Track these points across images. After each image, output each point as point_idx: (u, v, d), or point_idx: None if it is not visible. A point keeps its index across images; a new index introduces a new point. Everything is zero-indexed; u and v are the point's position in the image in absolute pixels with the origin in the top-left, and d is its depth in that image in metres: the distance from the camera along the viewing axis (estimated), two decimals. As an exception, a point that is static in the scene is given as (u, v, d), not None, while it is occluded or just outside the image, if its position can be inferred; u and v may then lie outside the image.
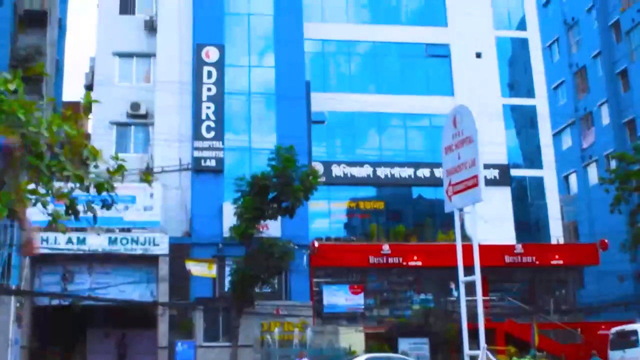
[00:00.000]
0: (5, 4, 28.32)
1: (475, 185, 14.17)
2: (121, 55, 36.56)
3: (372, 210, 37.16)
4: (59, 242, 29.70)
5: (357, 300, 34.15)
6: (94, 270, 31.65)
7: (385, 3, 40.36)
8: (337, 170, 36.11)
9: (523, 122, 40.25)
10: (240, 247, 28.40)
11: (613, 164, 41.12)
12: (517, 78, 41.17)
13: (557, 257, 35.82)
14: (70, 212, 10.46)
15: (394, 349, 31.51)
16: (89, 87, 37.68)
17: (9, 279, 27.55)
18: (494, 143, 34.89)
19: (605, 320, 35.46)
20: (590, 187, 47.30)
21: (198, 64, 34.89)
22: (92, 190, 10.43)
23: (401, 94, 37.75)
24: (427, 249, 34.44)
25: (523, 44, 40.81)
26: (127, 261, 31.38)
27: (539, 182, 38.92)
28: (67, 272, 31.42)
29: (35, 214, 10.08)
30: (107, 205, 10.63)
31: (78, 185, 10.28)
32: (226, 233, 30.72)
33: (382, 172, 36.60)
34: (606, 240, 35.51)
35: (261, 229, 28.56)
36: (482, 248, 16.31)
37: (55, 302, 31.01)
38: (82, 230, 29.57)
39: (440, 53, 39.14)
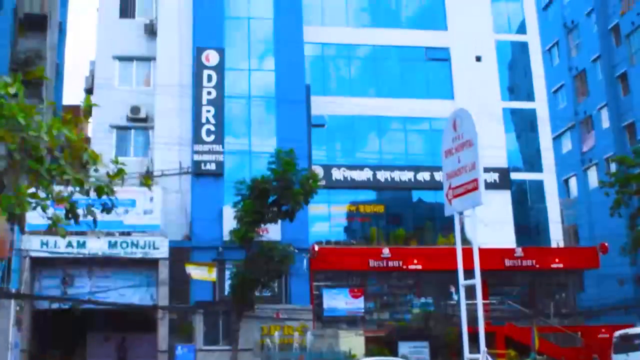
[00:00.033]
0: (5, 8, 28.34)
1: (475, 188, 14.16)
2: (121, 58, 36.57)
3: (372, 214, 37.17)
4: (59, 245, 29.67)
5: (357, 304, 34.15)
6: (94, 273, 31.63)
7: (385, 6, 40.40)
8: (337, 174, 36.11)
9: (523, 125, 40.26)
10: (240, 251, 28.38)
11: (613, 167, 41.10)
12: (517, 81, 41.19)
13: (557, 260, 35.83)
14: (70, 215, 10.46)
15: (394, 353, 31.47)
16: (89, 91, 37.69)
17: (9, 282, 27.54)
18: (494, 146, 34.93)
19: (606, 324, 35.44)
20: (590, 190, 47.30)
21: (198, 67, 34.90)
22: (92, 194, 10.42)
23: (401, 97, 37.79)
24: (427, 252, 34.44)
25: (523, 47, 40.85)
26: (127, 265, 31.36)
27: (539, 185, 38.93)
28: (67, 275, 31.39)
29: (35, 218, 10.09)
30: (107, 209, 10.62)
31: (78, 189, 10.27)
32: (226, 237, 30.70)
33: (382, 175, 36.61)
34: (606, 244, 35.52)
35: (261, 233, 28.54)
36: (482, 251, 16.31)
37: (55, 305, 30.97)
38: (82, 233, 29.53)
39: (440, 56, 39.18)
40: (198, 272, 30.41)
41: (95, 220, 10.59)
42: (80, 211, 10.51)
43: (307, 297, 33.14)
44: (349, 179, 36.28)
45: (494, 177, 36.64)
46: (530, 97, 40.13)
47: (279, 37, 36.39)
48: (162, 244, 31.29)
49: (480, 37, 39.46)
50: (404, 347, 31.92)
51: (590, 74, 49.95)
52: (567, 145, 51.95)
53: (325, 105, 36.45)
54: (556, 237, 37.69)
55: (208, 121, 34.23)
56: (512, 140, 39.60)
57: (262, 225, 28.13)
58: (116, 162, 10.56)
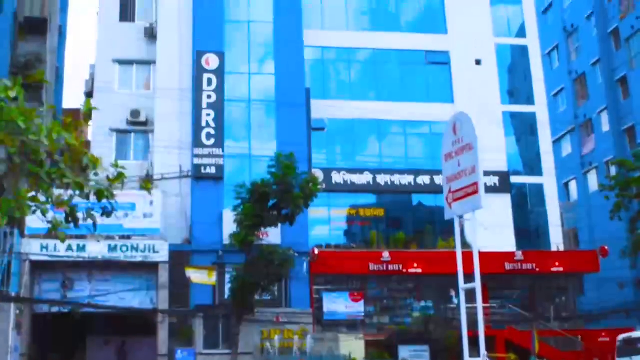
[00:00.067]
0: (5, 12, 28.34)
1: (475, 192, 14.13)
2: (121, 62, 36.60)
3: (372, 218, 37.15)
4: (59, 249, 29.70)
5: (357, 308, 34.13)
6: (94, 277, 31.63)
7: (385, 10, 40.43)
8: (337, 178, 36.12)
9: (523, 129, 40.27)
10: (240, 255, 28.36)
11: (613, 170, 41.11)
12: (516, 85, 41.21)
13: (557, 264, 35.80)
14: (70, 219, 10.44)
15: (394, 357, 31.50)
16: (89, 94, 37.68)
17: (9, 286, 27.53)
18: (494, 150, 34.92)
19: (606, 328, 35.43)
20: (590, 194, 47.31)
21: (198, 71, 34.92)
22: (92, 198, 10.41)
23: (401, 101, 37.79)
24: (427, 256, 34.42)
25: (523, 51, 40.86)
26: (127, 268, 31.36)
27: (539, 189, 38.92)
28: (66, 279, 31.40)
29: (35, 221, 10.07)
30: (107, 213, 10.61)
31: (78, 192, 10.26)
32: (226, 240, 30.66)
33: (382, 179, 36.60)
34: (606, 247, 35.48)
35: (261, 236, 28.51)
36: (482, 255, 16.28)
37: (55, 309, 30.98)
38: (82, 237, 29.59)
39: (440, 60, 39.19)
40: (198, 276, 30.37)
41: (95, 224, 10.58)
42: (80, 215, 10.50)
43: (307, 301, 33.13)
44: (349, 182, 36.28)
45: (494, 180, 36.63)
46: (530, 100, 40.14)
47: (279, 40, 36.42)
48: (162, 247, 31.29)
49: (480, 40, 39.48)
50: (404, 351, 31.91)
51: (590, 77, 50.00)
52: (567, 148, 51.98)
53: (325, 109, 36.46)
54: (556, 241, 37.67)
55: (208, 125, 34.25)
56: (512, 143, 39.61)
57: (262, 228, 28.11)
58: (116, 165, 10.55)
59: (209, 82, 34.82)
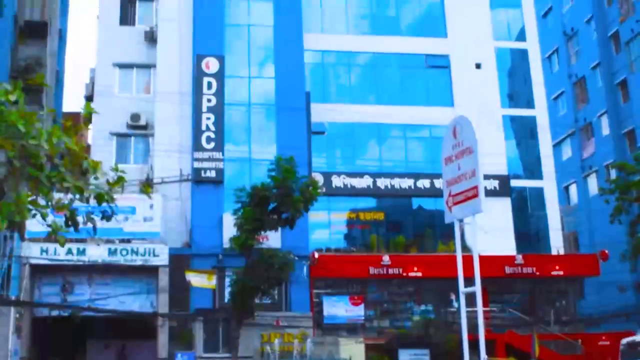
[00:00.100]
0: (5, 15, 28.35)
1: (475, 196, 14.15)
2: (121, 66, 36.60)
3: (372, 221, 37.14)
4: (59, 253, 29.64)
5: (357, 311, 34.08)
6: (94, 281, 31.60)
7: (385, 14, 40.44)
8: (337, 181, 36.11)
9: (523, 132, 40.27)
10: (240, 258, 28.32)
11: (613, 174, 41.12)
12: (516, 89, 41.22)
13: (557, 267, 35.80)
14: (70, 223, 10.45)
15: (394, 360, 31.47)
16: (89, 98, 37.70)
17: (9, 289, 27.52)
18: (494, 154, 34.93)
19: (606, 331, 35.41)
20: (591, 197, 47.31)
21: (198, 74, 34.94)
22: (92, 202, 10.42)
23: (401, 104, 37.81)
24: (427, 259, 34.41)
25: (523, 54, 40.87)
26: (127, 272, 31.34)
27: (539, 192, 38.90)
28: (66, 283, 31.37)
29: (35, 225, 10.07)
30: (106, 217, 10.62)
31: (78, 196, 10.27)
32: (226, 244, 30.66)
33: (382, 183, 36.60)
34: (606, 251, 35.49)
35: (261, 240, 28.48)
36: (483, 259, 16.29)
37: (55, 313, 30.94)
38: (82, 241, 29.56)
39: (440, 64, 39.20)
40: (198, 280, 30.36)
41: (95, 228, 10.58)
42: (80, 218, 10.51)
43: (307, 305, 33.10)
44: (349, 186, 36.26)
45: (494, 184, 36.63)
46: (530, 104, 40.15)
47: (279, 44, 36.44)
48: (162, 251, 31.27)
49: (480, 44, 39.50)
50: (404, 355, 31.87)
51: (590, 81, 50.02)
52: (567, 152, 51.98)
53: (325, 113, 36.47)
54: (556, 245, 37.66)
55: (208, 128, 34.26)
56: (512, 147, 39.59)
57: (262, 232, 28.08)
58: (116, 169, 10.56)
59: (209, 85, 34.84)
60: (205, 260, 32.00)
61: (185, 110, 34.80)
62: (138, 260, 30.96)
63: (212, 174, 33.82)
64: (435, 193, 32.66)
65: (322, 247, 35.08)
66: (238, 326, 28.33)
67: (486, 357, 13.83)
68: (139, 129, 35.48)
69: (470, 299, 15.03)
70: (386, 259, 34.18)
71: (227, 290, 30.03)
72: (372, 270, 34.04)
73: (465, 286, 14.63)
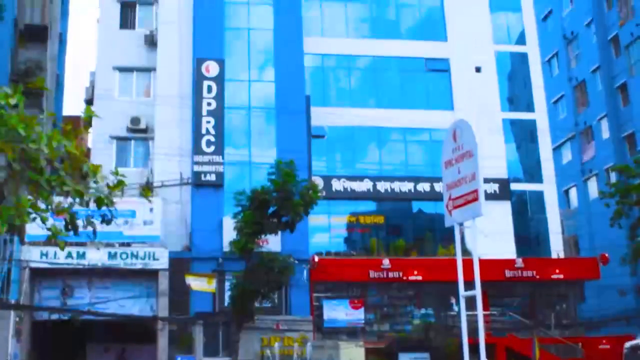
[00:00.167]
0: (5, 19, 28.35)
1: (476, 199, 14.12)
2: (121, 69, 36.64)
3: (372, 225, 37.12)
4: (59, 256, 29.66)
5: (357, 315, 34.06)
6: (94, 284, 31.60)
7: (385, 18, 40.45)
8: (337, 185, 36.11)
9: (523, 136, 40.28)
10: (240, 262, 28.32)
11: (613, 177, 41.13)
12: (516, 92, 41.23)
13: (557, 271, 35.76)
14: (69, 227, 10.44)
15: (395, 364, 31.45)
16: (89, 102, 37.73)
17: (9, 293, 27.51)
18: (494, 157, 34.95)
19: (607, 335, 35.38)
20: (591, 201, 47.31)
21: (198, 78, 34.95)
22: (92, 205, 10.41)
23: (401, 108, 37.80)
24: (427, 263, 34.38)
25: (522, 58, 40.88)
26: (127, 276, 31.33)
27: (539, 196, 38.89)
28: (66, 286, 31.37)
29: (34, 228, 10.06)
30: (106, 221, 10.61)
31: (78, 200, 10.26)
32: (226, 247, 30.61)
33: (382, 186, 36.59)
34: (607, 254, 35.44)
35: (261, 244, 28.47)
36: (483, 262, 16.26)
37: (54, 316, 30.94)
38: (82, 244, 29.54)
39: (440, 67, 39.21)
40: (198, 283, 30.34)
41: (94, 232, 10.58)
42: (79, 222, 10.50)
43: (307, 308, 33.09)
44: (349, 189, 36.26)
45: (494, 187, 36.62)
46: (530, 107, 40.14)
47: (279, 48, 36.46)
48: (162, 254, 31.26)
49: (480, 48, 39.51)
50: (404, 359, 31.91)
51: (590, 84, 50.04)
52: (567, 155, 51.99)
53: (325, 116, 36.48)
54: (556, 248, 37.63)
55: (208, 132, 34.27)
56: (512, 151, 39.59)
57: (262, 236, 28.08)
58: (116, 173, 10.54)
59: (209, 89, 34.85)
60: (205, 263, 31.99)
61: (185, 113, 34.81)
62: (138, 264, 30.96)
63: (212, 177, 33.83)
64: (435, 196, 32.65)
65: (322, 251, 35.06)
66: (238, 330, 28.31)
67: (486, 361, 13.79)
68: (139, 132, 35.50)
69: (471, 302, 15.00)
70: (386, 262, 34.16)
71: (227, 293, 30.02)
72: (372, 274, 34.02)
73: (466, 290, 14.61)
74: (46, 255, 29.90)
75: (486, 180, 31.10)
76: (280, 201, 26.85)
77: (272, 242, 30.42)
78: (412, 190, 36.80)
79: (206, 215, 33.21)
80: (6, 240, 26.67)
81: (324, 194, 31.07)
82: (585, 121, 50.15)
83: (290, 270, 28.69)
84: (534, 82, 40.34)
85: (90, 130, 36.79)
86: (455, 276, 14.86)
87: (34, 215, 10.27)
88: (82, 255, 30.44)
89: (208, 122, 34.41)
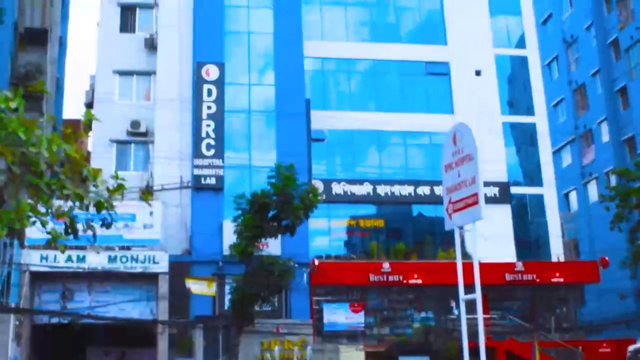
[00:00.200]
0: (5, 22, 28.35)
1: (476, 203, 14.12)
2: (121, 73, 36.66)
3: (372, 228, 37.12)
4: (59, 260, 29.66)
5: (358, 319, 34.05)
6: (94, 288, 31.57)
7: (385, 21, 40.48)
8: (337, 188, 36.10)
9: (523, 139, 40.27)
10: (240, 265, 28.28)
11: (613, 181, 41.13)
12: (516, 96, 41.23)
13: (557, 274, 35.75)
14: (69, 231, 10.44)
15: (395, 368, 31.41)
16: (89, 105, 37.74)
17: (8, 297, 27.48)
18: (494, 161, 34.95)
19: (607, 338, 35.37)
20: (591, 204, 47.31)
21: (198, 82, 34.97)
22: (92, 209, 10.40)
23: (401, 111, 37.83)
24: (427, 266, 34.37)
25: (522, 61, 40.90)
26: (127, 279, 31.30)
27: (539, 199, 38.89)
28: (66, 290, 31.34)
29: (34, 232, 10.05)
30: (106, 224, 10.60)
31: (78, 204, 10.26)
32: (226, 251, 30.60)
33: (382, 190, 36.58)
34: (607, 258, 35.44)
35: (261, 247, 28.44)
36: (483, 266, 16.27)
37: (54, 320, 30.90)
38: (82, 248, 29.53)
39: (440, 71, 39.23)
40: (198, 287, 30.33)
41: (94, 235, 10.57)
42: (79, 226, 10.50)
43: (307, 312, 33.06)
44: (349, 193, 36.26)
45: (494, 191, 36.62)
46: (530, 111, 40.16)
47: (279, 51, 36.48)
48: (162, 258, 31.24)
49: (480, 51, 39.52)
50: (404, 362, 31.84)
51: (589, 88, 50.07)
52: (567, 159, 52.01)
53: (325, 120, 36.48)
54: (556, 251, 37.63)
55: (208, 135, 34.27)
56: (512, 154, 39.60)
57: (262, 239, 28.05)
58: (116, 177, 10.54)
59: (209, 92, 34.86)
60: (205, 267, 31.98)
61: (185, 117, 34.82)
62: (138, 268, 30.93)
63: (212, 181, 33.82)
64: (435, 200, 32.64)
65: (322, 254, 35.07)
66: (238, 333, 28.28)
67: (486, 364, 13.79)
68: (139, 136, 35.51)
69: (471, 306, 15.00)
70: (386, 266, 34.15)
71: (227, 297, 29.97)
72: (372, 278, 34.00)
73: (466, 293, 14.60)
74: (46, 258, 29.89)
75: (486, 184, 31.11)
76: (281, 205, 26.84)
77: (272, 246, 30.38)
78: (412, 194, 36.79)
79: (206, 219, 33.20)
80: (6, 243, 26.64)
81: (324, 197, 31.02)
82: (585, 124, 50.18)
83: (290, 274, 28.64)
84: (534, 85, 40.36)
85: (90, 133, 36.78)
86: (455, 279, 14.86)
87: (33, 218, 10.27)
88: (82, 259, 30.42)
89: (208, 125, 34.41)
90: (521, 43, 41.28)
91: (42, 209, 10.27)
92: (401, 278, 34.19)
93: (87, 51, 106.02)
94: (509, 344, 33.08)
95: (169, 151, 33.92)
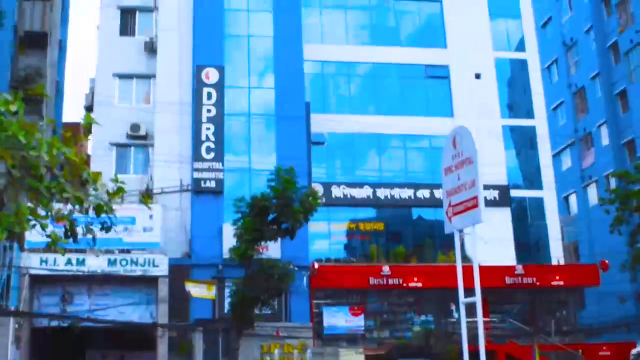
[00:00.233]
0: (6, 26, 28.42)
1: (476, 206, 14.11)
2: (121, 76, 36.65)
3: (372, 232, 37.10)
4: (59, 263, 29.62)
5: (358, 322, 33.99)
6: (94, 291, 31.54)
7: (385, 25, 40.49)
8: (337, 192, 36.10)
9: (523, 143, 40.27)
10: (240, 269, 28.29)
11: (613, 184, 41.13)
12: (516, 99, 41.24)
13: (557, 278, 35.71)
14: (69, 234, 10.44)
15: (395, 371, 31.37)
16: (89, 109, 37.75)
17: (8, 300, 27.49)
18: (494, 164, 34.94)
19: (607, 342, 35.33)
20: (591, 207, 47.31)
21: (198, 85, 34.98)
22: (92, 212, 10.41)
23: (401, 115, 37.80)
24: (427, 270, 34.34)
25: (522, 65, 40.90)
26: (127, 283, 31.27)
27: (539, 203, 38.86)
28: (66, 293, 31.31)
29: (34, 235, 10.05)
30: (106, 228, 10.61)
31: (78, 207, 10.26)
32: (226, 254, 30.58)
33: (382, 193, 36.58)
34: (607, 261, 35.40)
35: (261, 251, 28.46)
36: (483, 269, 16.25)
37: (54, 323, 30.89)
38: (82, 251, 29.51)
39: (440, 74, 39.23)
40: (198, 290, 30.31)
41: (94, 239, 10.57)
42: (79, 229, 10.50)
43: (307, 315, 33.04)
44: (349, 196, 36.25)
45: (494, 194, 36.61)
46: (530, 114, 40.14)
47: (279, 55, 36.48)
48: (162, 261, 31.21)
49: (480, 55, 39.53)
50: (404, 365, 31.81)
51: (589, 91, 50.08)
52: (567, 162, 52.01)
53: (325, 123, 36.47)
54: (557, 255, 37.59)
55: (208, 139, 34.27)
56: (512, 157, 39.57)
57: (262, 243, 28.07)
58: (116, 181, 10.55)
59: (209, 96, 34.87)
60: (205, 270, 31.95)
61: (185, 120, 34.82)
62: (138, 271, 30.91)
63: (212, 184, 33.82)
64: (436, 203, 32.61)
65: (322, 258, 35.03)
66: (238, 337, 28.28)
67: (487, 368, 13.77)
68: (139, 139, 35.50)
69: (471, 309, 14.99)
70: (386, 269, 34.12)
71: (227, 300, 29.98)
72: (372, 281, 33.98)
73: (466, 297, 14.59)
74: (46, 262, 29.86)
75: (486, 187, 31.13)
76: (280, 208, 26.85)
77: (272, 249, 30.40)
78: (412, 197, 36.78)
79: (206, 222, 33.19)
80: (6, 247, 26.68)
81: (324, 200, 31.04)
82: (585, 128, 50.18)
83: (290, 277, 28.66)
84: (534, 88, 40.35)
85: (90, 137, 36.83)
86: (456, 283, 14.85)
87: (33, 222, 10.27)
88: (82, 262, 30.40)
89: (208, 129, 34.42)
90: (521, 46, 41.29)
91: (42, 213, 10.27)
92: (401, 281, 34.17)
93: (87, 54, 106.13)
94: (509, 348, 33.05)
95: (169, 154, 33.92)
